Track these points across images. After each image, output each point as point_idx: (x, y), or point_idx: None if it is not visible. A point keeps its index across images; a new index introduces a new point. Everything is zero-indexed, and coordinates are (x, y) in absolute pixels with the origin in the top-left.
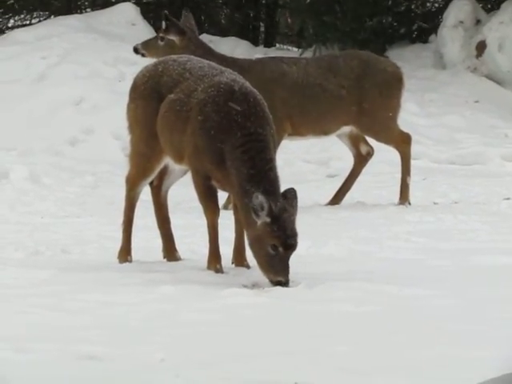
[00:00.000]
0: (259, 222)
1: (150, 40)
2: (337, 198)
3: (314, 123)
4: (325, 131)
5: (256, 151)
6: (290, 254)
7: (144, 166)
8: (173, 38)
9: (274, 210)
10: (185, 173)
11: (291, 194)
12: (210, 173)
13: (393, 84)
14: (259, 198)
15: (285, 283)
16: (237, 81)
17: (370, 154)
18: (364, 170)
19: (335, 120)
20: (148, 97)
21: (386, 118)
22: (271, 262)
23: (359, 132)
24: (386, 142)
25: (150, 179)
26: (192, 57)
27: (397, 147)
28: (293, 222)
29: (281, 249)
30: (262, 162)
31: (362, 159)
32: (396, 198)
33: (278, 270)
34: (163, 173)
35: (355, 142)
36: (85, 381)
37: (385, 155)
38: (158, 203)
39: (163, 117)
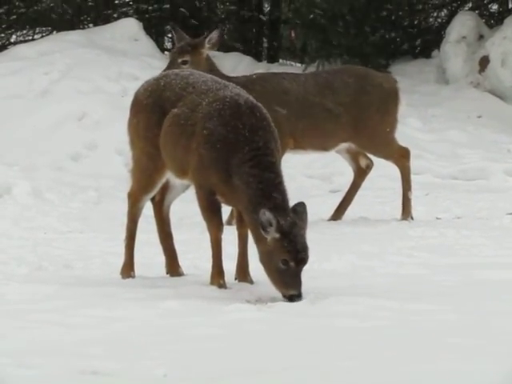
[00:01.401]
0: (269, 238)
1: (168, 68)
2: (339, 213)
3: (314, 139)
4: (324, 147)
5: (265, 166)
6: (302, 267)
7: (146, 181)
8: (191, 55)
9: (282, 225)
10: (186, 188)
11: (301, 208)
12: (215, 187)
13: (389, 100)
14: (266, 215)
15: (298, 296)
16: (241, 95)
17: (369, 167)
18: (366, 186)
19: (333, 137)
20: (150, 111)
21: (384, 134)
22: (283, 276)
23: (358, 148)
24: (385, 157)
25: (152, 194)
26: (194, 71)
27: (396, 162)
28: (303, 237)
29: (292, 263)
30: (271, 177)
31: (361, 172)
32: (398, 213)
33: (290, 285)
34: (165, 188)
35: (354, 156)
36: None
37: (386, 170)
38: (160, 219)
39: (166, 131)
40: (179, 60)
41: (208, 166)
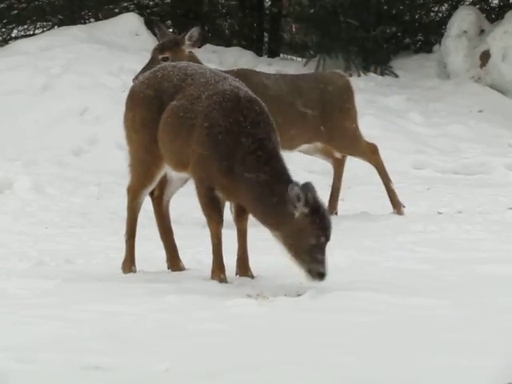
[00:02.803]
0: (297, 215)
1: (149, 66)
2: (332, 205)
3: (284, 137)
4: (290, 146)
5: (270, 155)
6: (327, 244)
7: (145, 174)
8: (172, 52)
9: (311, 199)
10: (185, 182)
11: (311, 186)
12: (216, 181)
13: (347, 96)
14: (295, 189)
15: (325, 275)
16: (240, 88)
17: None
18: (367, 181)
19: (300, 137)
20: (148, 104)
21: (353, 130)
22: (313, 253)
23: (331, 149)
24: (359, 154)
25: (151, 188)
26: (191, 63)
27: (369, 159)
28: (328, 212)
29: (323, 238)
30: (279, 165)
31: (339, 162)
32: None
33: (319, 262)
34: (163, 183)
35: (327, 150)
36: None
37: (386, 165)
38: (159, 214)
39: (165, 123)
40: (160, 57)
41: (209, 160)
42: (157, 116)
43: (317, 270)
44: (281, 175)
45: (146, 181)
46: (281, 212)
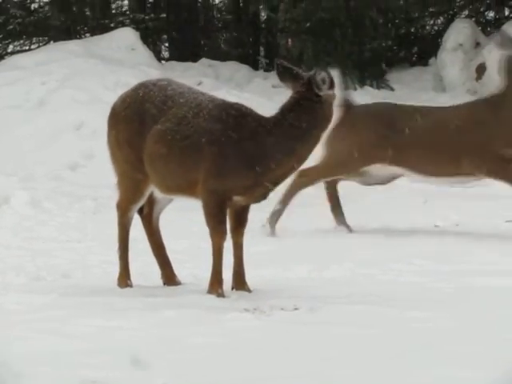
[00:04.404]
0: (323, 94)
1: None
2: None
3: None
4: None
5: (263, 122)
6: None
7: (133, 190)
8: None
9: (334, 83)
10: (172, 199)
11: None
12: (238, 187)
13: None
14: (322, 74)
15: None
16: (217, 98)
17: None
18: (365, 192)
19: None
20: (130, 121)
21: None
22: None
23: None
24: None
25: (141, 203)
26: (171, 80)
27: None
28: None
29: None
30: (270, 120)
31: None
32: (397, 220)
33: None
34: (152, 201)
35: None
36: None
37: None
38: (150, 231)
39: (153, 148)
40: None
41: (225, 169)
42: (140, 133)
43: None
44: (279, 118)
45: (135, 196)
46: (314, 115)
